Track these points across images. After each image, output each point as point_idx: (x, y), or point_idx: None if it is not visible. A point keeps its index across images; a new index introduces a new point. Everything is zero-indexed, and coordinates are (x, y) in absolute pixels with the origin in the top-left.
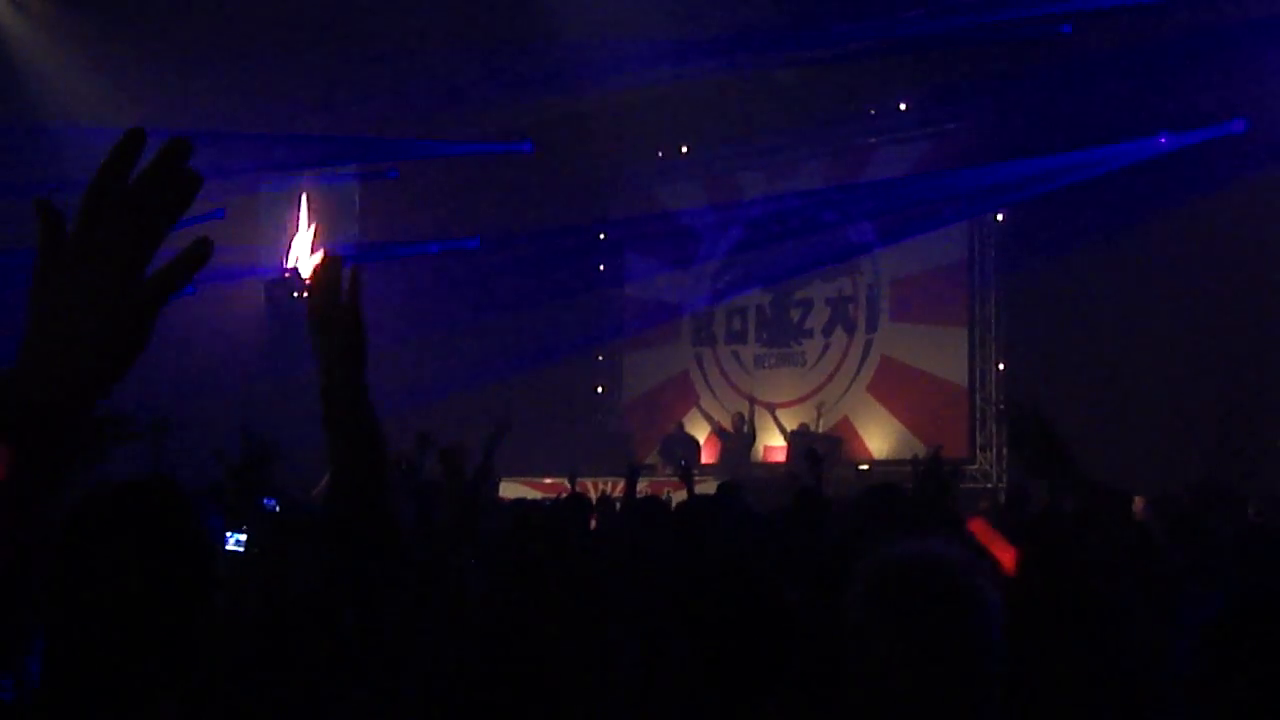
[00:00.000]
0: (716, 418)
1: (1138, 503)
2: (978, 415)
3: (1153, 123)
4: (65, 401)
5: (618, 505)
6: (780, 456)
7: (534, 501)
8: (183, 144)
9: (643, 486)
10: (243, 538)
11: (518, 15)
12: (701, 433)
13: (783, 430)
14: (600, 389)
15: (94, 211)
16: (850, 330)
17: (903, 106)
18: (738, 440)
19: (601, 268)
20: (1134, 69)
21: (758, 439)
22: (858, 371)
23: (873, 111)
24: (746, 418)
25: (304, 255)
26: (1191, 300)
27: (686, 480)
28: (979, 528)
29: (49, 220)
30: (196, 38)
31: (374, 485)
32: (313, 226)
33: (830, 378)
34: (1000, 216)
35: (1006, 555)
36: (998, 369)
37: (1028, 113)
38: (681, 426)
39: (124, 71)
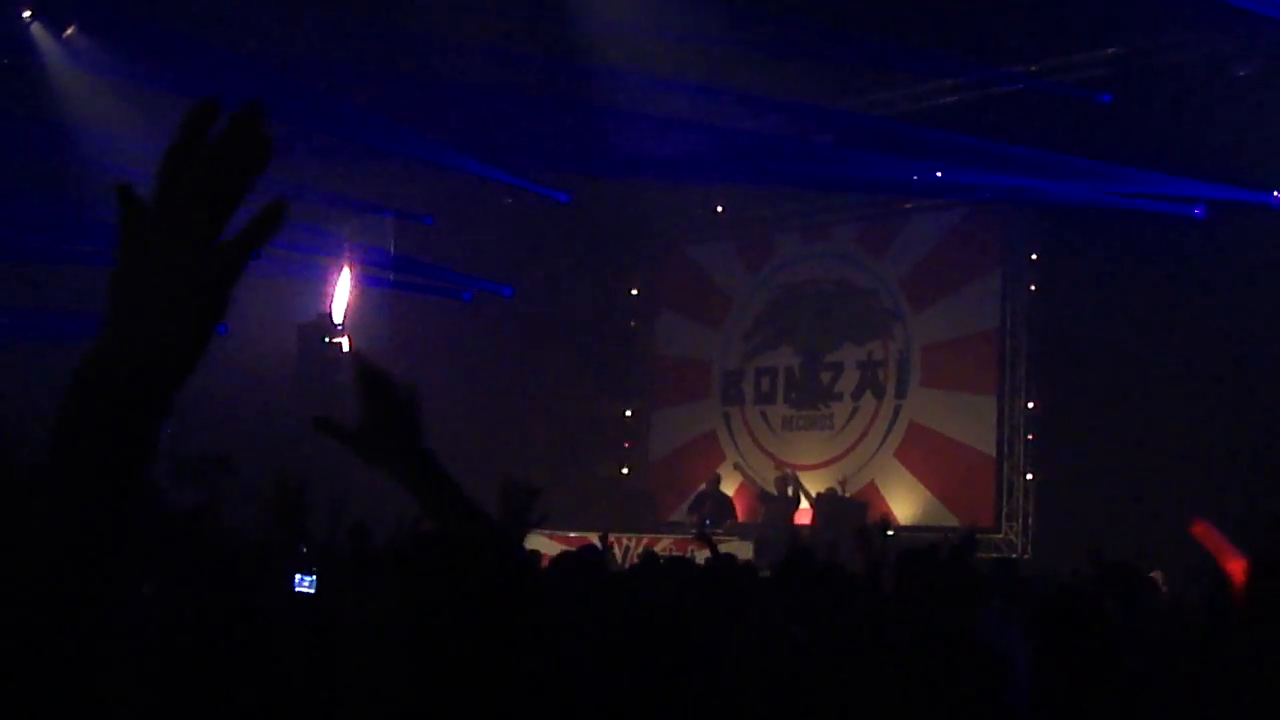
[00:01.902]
0: (741, 479)
1: (1159, 576)
2: (1005, 484)
3: (1189, 194)
4: (149, 376)
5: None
6: (806, 520)
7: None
8: (258, 107)
9: (668, 544)
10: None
11: (560, 74)
12: (729, 489)
13: (807, 494)
14: (627, 444)
15: (170, 178)
16: (879, 395)
17: (939, 174)
18: (783, 505)
19: (633, 323)
20: (1172, 138)
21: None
22: (885, 436)
23: (915, 178)
24: (792, 482)
25: (339, 299)
26: (1224, 374)
27: (706, 541)
28: (1203, 532)
29: (131, 205)
30: (230, 69)
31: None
32: (349, 272)
33: (858, 442)
34: (1034, 293)
35: (1235, 564)
36: (1025, 439)
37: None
38: (717, 481)
39: (162, 113)
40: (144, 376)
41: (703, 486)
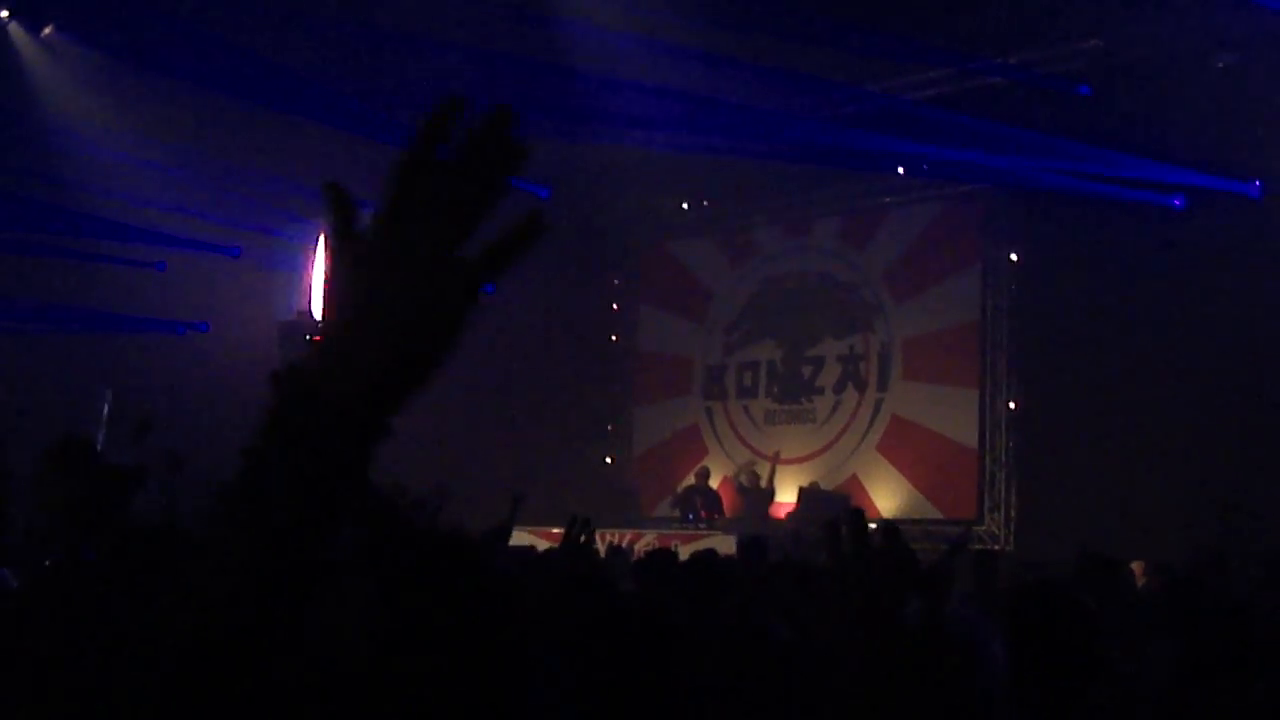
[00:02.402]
0: (726, 472)
1: (1139, 567)
2: (987, 476)
3: (1169, 182)
4: (369, 400)
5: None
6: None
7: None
8: (509, 111)
9: (651, 538)
10: None
11: (542, 68)
12: (712, 484)
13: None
14: (610, 439)
15: (409, 184)
16: (861, 388)
17: (924, 167)
18: (757, 496)
19: (615, 319)
20: (1152, 128)
21: (776, 494)
22: (868, 430)
23: (895, 171)
24: (765, 475)
25: (319, 297)
26: (1205, 365)
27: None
28: None
29: (341, 204)
30: (215, 75)
31: None
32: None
33: (840, 435)
34: (1014, 286)
35: None
36: (1007, 431)
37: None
38: (706, 475)
39: (142, 110)
40: (363, 400)
41: (691, 480)
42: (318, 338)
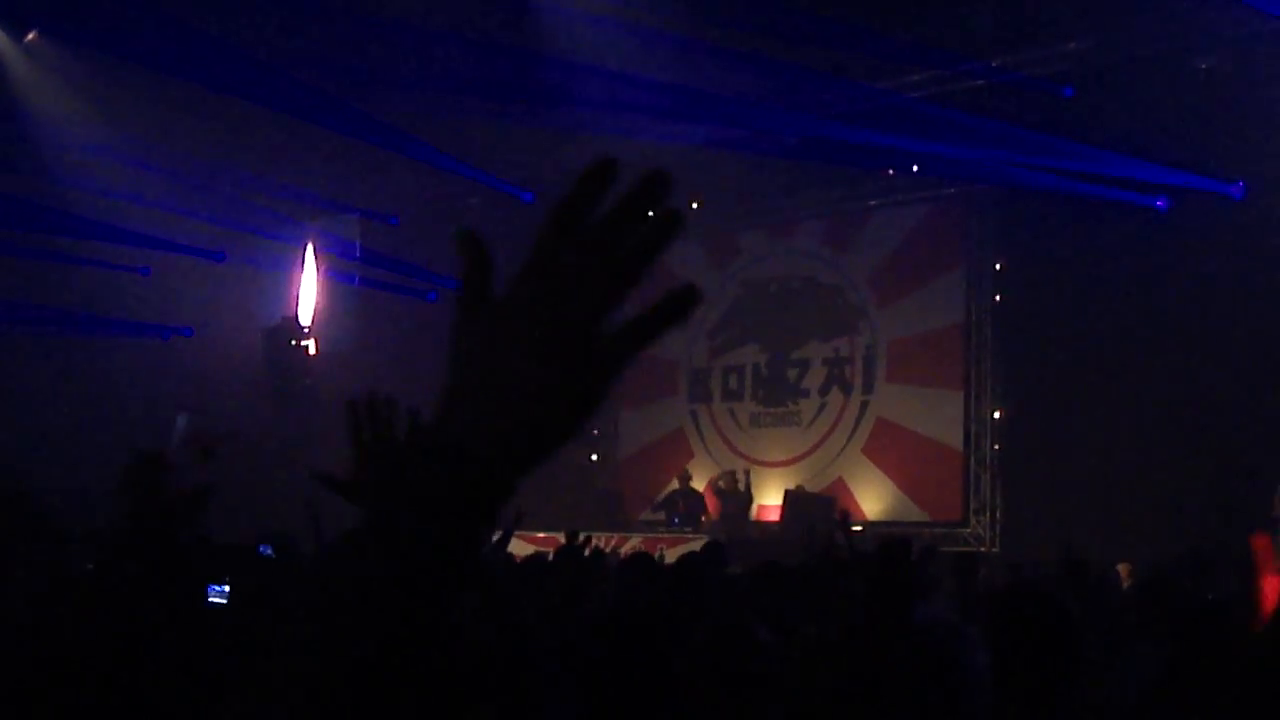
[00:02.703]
0: (712, 475)
1: (1124, 569)
2: (972, 478)
3: (1153, 184)
4: (495, 466)
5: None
6: (775, 515)
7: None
8: (664, 176)
9: (635, 542)
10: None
11: (527, 69)
12: (697, 487)
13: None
14: (595, 442)
15: (554, 246)
16: (846, 391)
17: (903, 170)
18: (735, 500)
19: None
20: (1135, 129)
21: (754, 499)
22: (853, 432)
23: (879, 174)
24: (742, 478)
25: (305, 301)
26: (1189, 366)
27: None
28: (1261, 545)
29: (473, 253)
30: (201, 79)
31: None
32: (316, 273)
33: (825, 438)
34: (998, 288)
35: (1272, 582)
36: (992, 433)
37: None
38: (688, 479)
39: (125, 114)
40: (496, 466)
41: (674, 485)
42: (444, 397)
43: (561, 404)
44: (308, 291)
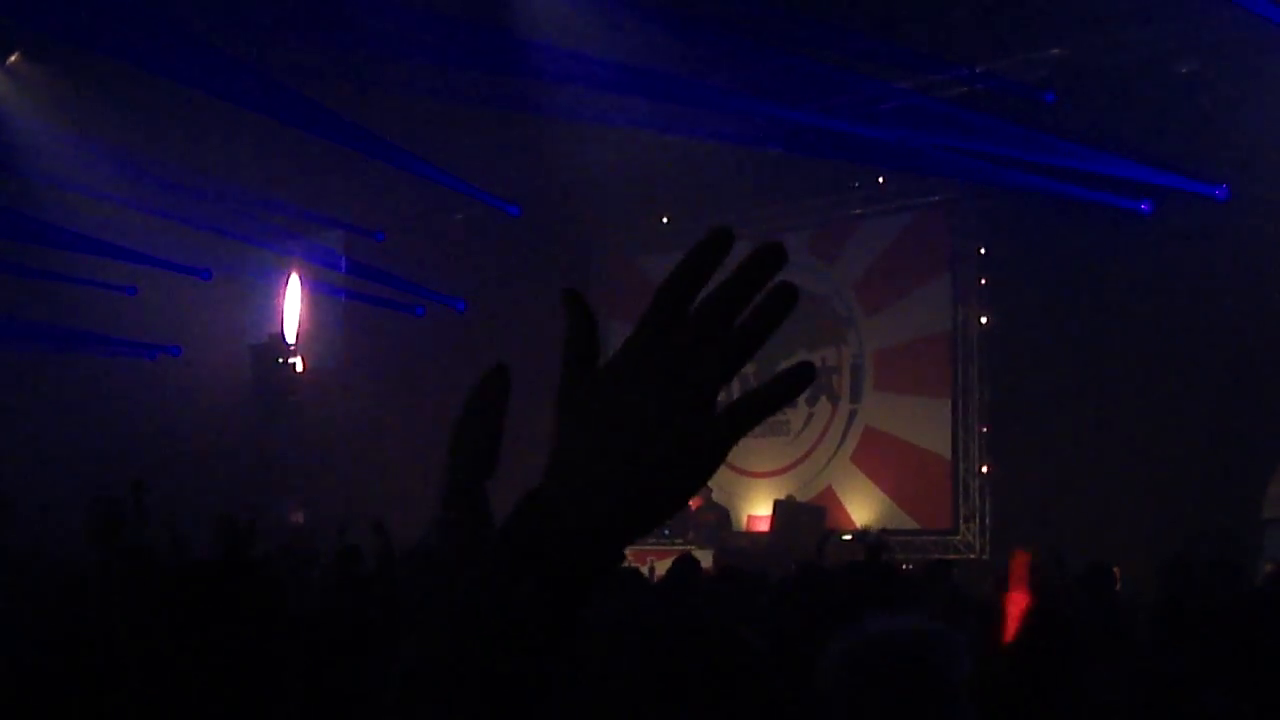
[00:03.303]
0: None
1: (1117, 573)
2: (960, 486)
3: (1137, 187)
4: (601, 535)
5: None
6: (763, 526)
7: None
8: (779, 250)
9: (628, 554)
10: None
11: (509, 88)
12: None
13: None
14: None
15: (667, 320)
16: (834, 400)
17: (886, 179)
18: (715, 515)
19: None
20: (1118, 134)
21: (741, 508)
22: (841, 441)
23: (861, 184)
24: (712, 492)
25: (291, 318)
26: (1176, 370)
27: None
28: (1021, 562)
29: (580, 316)
30: (184, 99)
31: None
32: (301, 290)
33: (814, 448)
34: (984, 295)
35: (1018, 598)
36: (980, 440)
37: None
38: (709, 493)
39: (110, 133)
40: (602, 537)
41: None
42: (550, 465)
43: (670, 477)
44: (293, 308)
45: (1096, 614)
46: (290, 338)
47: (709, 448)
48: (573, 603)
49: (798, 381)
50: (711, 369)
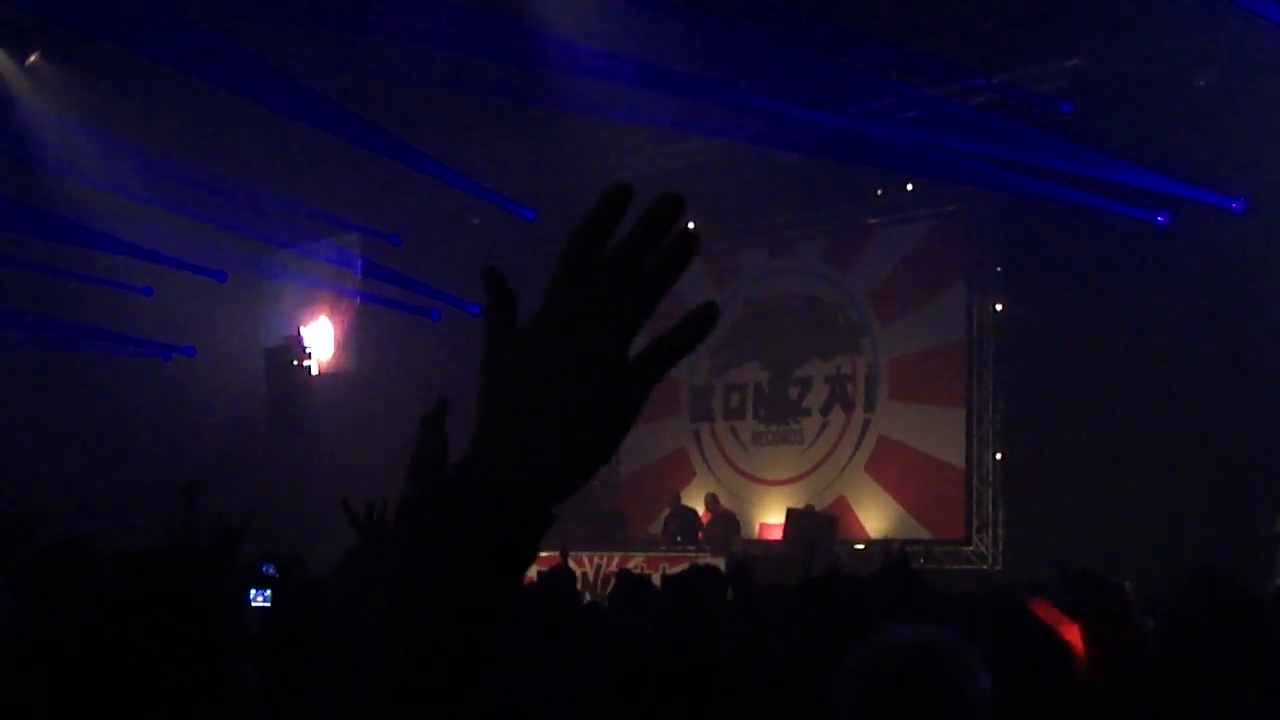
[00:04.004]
0: (711, 494)
1: (1130, 587)
2: (974, 496)
3: (1154, 200)
4: (540, 491)
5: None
6: (776, 534)
7: None
8: (677, 199)
9: (639, 562)
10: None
11: (527, 90)
12: (700, 506)
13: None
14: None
15: (574, 275)
16: (848, 409)
17: (909, 187)
18: (721, 522)
19: None
20: (1135, 145)
21: (754, 515)
22: (855, 450)
23: (880, 191)
24: (718, 501)
25: (306, 321)
26: (1192, 382)
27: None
28: (1043, 610)
29: (497, 287)
30: (203, 99)
31: None
32: (316, 292)
33: (828, 456)
34: (1000, 306)
35: (1072, 632)
36: (994, 450)
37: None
38: (677, 499)
39: (127, 135)
40: (531, 495)
41: (667, 511)
42: (477, 430)
43: (593, 428)
44: (308, 312)
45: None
46: (305, 340)
47: (625, 396)
48: (510, 565)
49: (703, 322)
50: (621, 317)
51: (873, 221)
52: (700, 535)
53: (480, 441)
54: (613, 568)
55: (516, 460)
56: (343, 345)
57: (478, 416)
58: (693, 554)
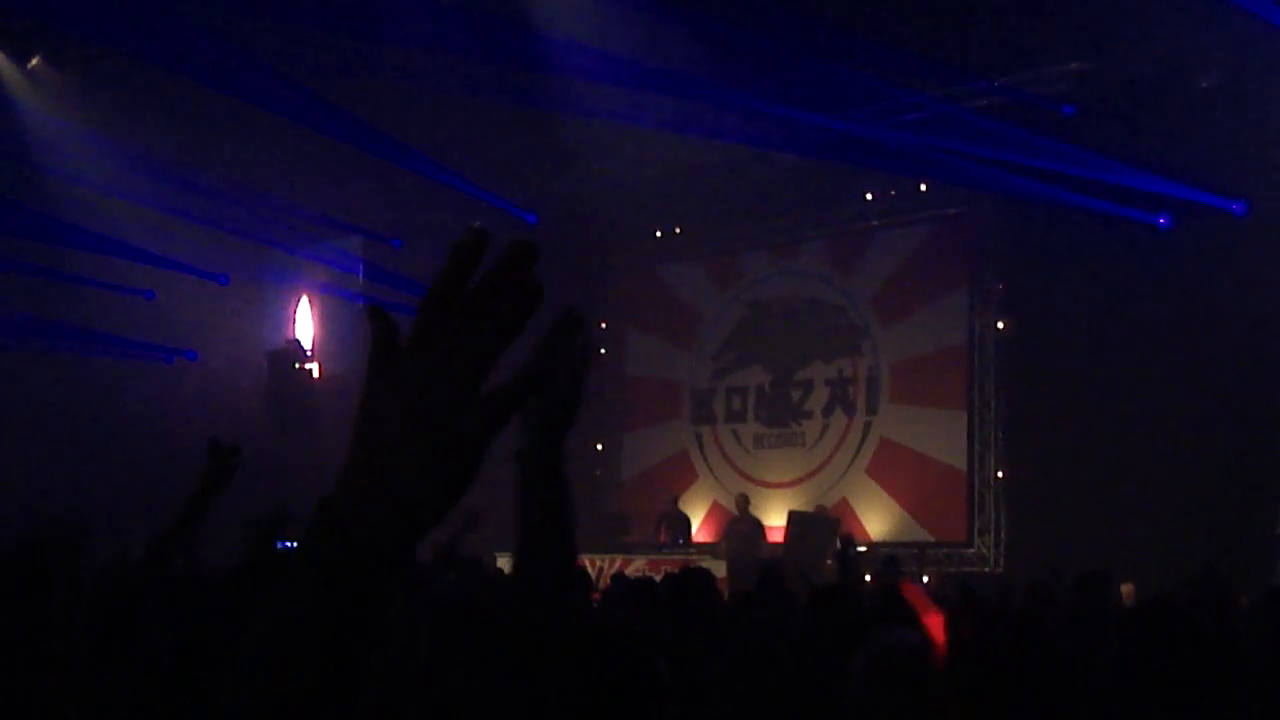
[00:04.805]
0: (717, 496)
1: (1128, 589)
2: (975, 499)
3: (1155, 202)
4: (389, 531)
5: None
6: (778, 537)
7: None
8: (529, 248)
9: (640, 564)
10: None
11: (528, 93)
12: (701, 509)
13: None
14: (599, 464)
15: (432, 320)
16: (850, 412)
17: (911, 189)
18: (747, 526)
19: (601, 345)
20: (1137, 148)
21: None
22: (857, 453)
23: (882, 194)
24: (749, 504)
25: (308, 324)
26: (1194, 384)
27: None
28: (912, 593)
29: (382, 330)
30: (203, 102)
31: (563, 554)
32: (318, 295)
33: (829, 459)
34: (1001, 309)
35: (934, 619)
36: (996, 453)
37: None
38: (674, 501)
39: (129, 138)
40: (384, 528)
41: (662, 508)
42: (341, 468)
43: (443, 469)
44: (310, 314)
45: (1095, 623)
46: (307, 344)
47: (472, 437)
48: (364, 597)
49: (539, 378)
50: (474, 360)
51: (874, 224)
52: (681, 539)
53: (340, 480)
54: (615, 569)
55: (371, 498)
56: (345, 348)
57: (348, 449)
58: (695, 557)
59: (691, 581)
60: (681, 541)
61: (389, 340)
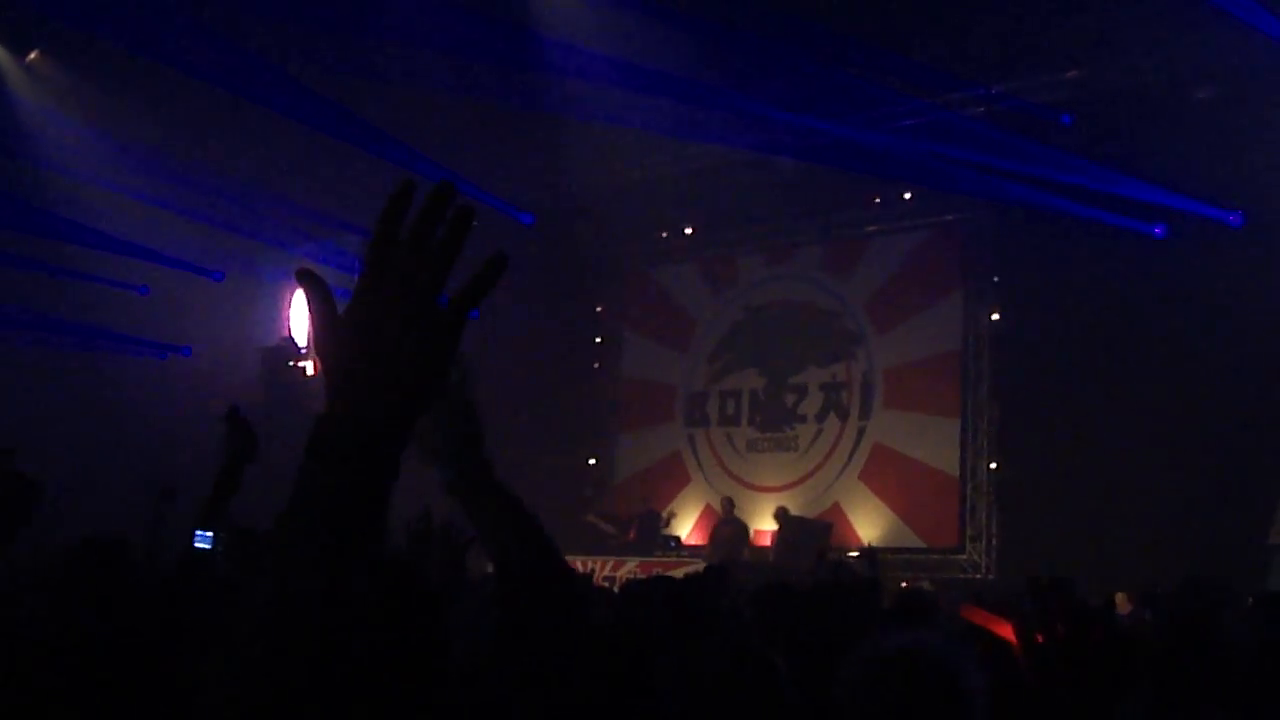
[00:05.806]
0: (709, 499)
1: (1122, 598)
2: (968, 505)
3: (1150, 211)
4: (381, 432)
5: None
6: (768, 541)
7: None
8: (448, 186)
9: (633, 566)
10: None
11: (526, 95)
12: (693, 512)
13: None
14: (592, 466)
15: (378, 260)
16: (843, 417)
17: (907, 196)
18: (731, 529)
19: (598, 345)
20: (1133, 158)
21: (748, 522)
22: (850, 458)
23: (878, 200)
24: (734, 507)
25: (302, 322)
26: (1187, 393)
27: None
28: (971, 613)
29: (316, 285)
30: (201, 98)
31: (551, 558)
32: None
33: (822, 464)
34: (996, 316)
35: (1005, 629)
36: (989, 460)
37: (1025, 202)
38: (648, 503)
39: (127, 130)
40: (378, 441)
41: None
42: (326, 401)
43: (416, 365)
44: (304, 312)
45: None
46: (301, 341)
47: (439, 335)
48: (373, 484)
49: (495, 270)
50: (426, 279)
51: (870, 230)
52: (709, 539)
53: (330, 402)
54: (606, 572)
55: (362, 404)
56: None
57: (325, 386)
58: (689, 560)
59: (708, 581)
60: (668, 542)
61: (325, 293)
